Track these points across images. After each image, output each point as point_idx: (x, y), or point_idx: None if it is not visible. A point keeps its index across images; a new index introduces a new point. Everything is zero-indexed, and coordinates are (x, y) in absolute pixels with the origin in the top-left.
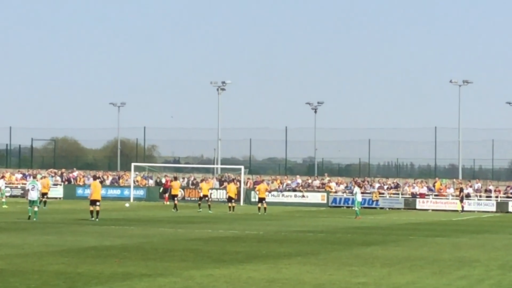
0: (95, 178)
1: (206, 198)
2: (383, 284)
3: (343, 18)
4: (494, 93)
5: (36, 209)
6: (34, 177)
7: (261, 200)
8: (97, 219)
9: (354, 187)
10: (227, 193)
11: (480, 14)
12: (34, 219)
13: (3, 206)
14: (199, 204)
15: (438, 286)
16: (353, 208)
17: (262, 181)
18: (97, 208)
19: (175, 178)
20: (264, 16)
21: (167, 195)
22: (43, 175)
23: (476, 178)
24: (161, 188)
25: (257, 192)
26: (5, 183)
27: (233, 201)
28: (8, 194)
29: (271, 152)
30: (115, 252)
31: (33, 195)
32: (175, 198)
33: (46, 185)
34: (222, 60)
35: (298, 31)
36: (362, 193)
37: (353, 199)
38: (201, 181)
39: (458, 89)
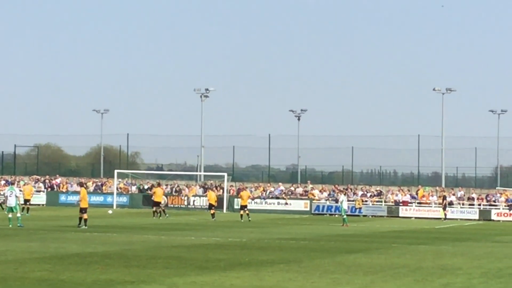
0: (82, 185)
1: (160, 205)
2: None
3: (326, 27)
4: (477, 101)
5: (18, 214)
6: (13, 184)
7: (243, 207)
8: (85, 226)
9: (339, 195)
10: (208, 200)
11: (463, 23)
12: (18, 225)
13: None
14: (157, 212)
15: None
16: (341, 215)
17: (245, 188)
18: (85, 216)
19: (159, 184)
20: (247, 24)
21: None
22: (25, 181)
23: (459, 186)
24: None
25: (240, 200)
26: None
27: (213, 208)
28: None
29: (255, 160)
30: (98, 259)
31: (11, 202)
32: (159, 205)
33: (28, 191)
34: (205, 67)
35: (281, 39)
36: None
37: (336, 206)
38: (158, 185)
39: (442, 97)
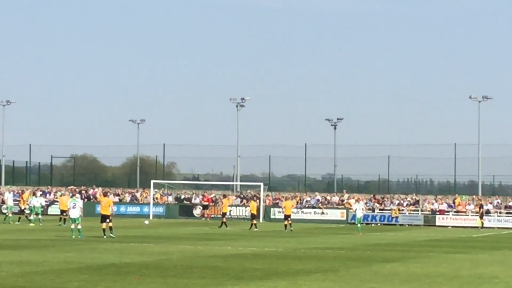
0: (105, 194)
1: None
2: None
3: (362, 36)
4: None
5: (79, 226)
6: (74, 195)
7: (287, 217)
8: (111, 235)
9: (356, 203)
10: (250, 210)
11: (499, 30)
12: (79, 237)
13: (30, 224)
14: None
15: None
16: (354, 223)
17: (290, 198)
18: (110, 224)
19: (224, 196)
20: (283, 33)
21: (206, 211)
22: (62, 192)
23: (496, 195)
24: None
25: (283, 209)
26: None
27: (255, 218)
28: (28, 211)
29: (291, 169)
30: (135, 269)
31: (75, 213)
32: (225, 216)
33: (65, 202)
34: (241, 76)
35: (317, 48)
36: (381, 209)
37: (373, 216)
38: (224, 197)
39: (478, 105)
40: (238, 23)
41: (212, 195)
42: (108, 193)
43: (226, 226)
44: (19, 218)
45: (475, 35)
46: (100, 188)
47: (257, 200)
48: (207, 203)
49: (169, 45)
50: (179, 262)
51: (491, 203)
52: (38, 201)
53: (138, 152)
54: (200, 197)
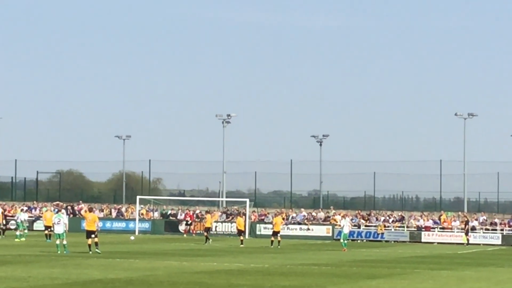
0: (90, 210)
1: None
2: None
3: (348, 51)
4: (499, 126)
5: (65, 242)
6: (59, 211)
7: (275, 233)
8: (97, 250)
9: (343, 219)
10: (237, 226)
11: (485, 47)
12: (65, 252)
13: (16, 240)
14: (208, 238)
15: None
16: (340, 240)
17: (278, 214)
18: (95, 239)
19: (207, 212)
20: (268, 49)
21: (188, 227)
22: (47, 208)
23: (481, 211)
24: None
25: (273, 225)
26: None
27: (242, 234)
28: (13, 227)
29: (276, 185)
30: (120, 285)
31: (59, 229)
32: (208, 231)
33: (50, 218)
34: (227, 93)
35: (302, 64)
36: (367, 226)
37: (359, 232)
38: (206, 212)
39: (463, 122)
40: (224, 39)
41: (197, 211)
42: (93, 209)
43: (209, 239)
44: (3, 232)
45: (461, 53)
46: (86, 204)
47: (243, 216)
48: (189, 220)
49: (155, 61)
50: (165, 278)
51: (476, 219)
52: (24, 217)
53: (124, 168)
54: (185, 212)
